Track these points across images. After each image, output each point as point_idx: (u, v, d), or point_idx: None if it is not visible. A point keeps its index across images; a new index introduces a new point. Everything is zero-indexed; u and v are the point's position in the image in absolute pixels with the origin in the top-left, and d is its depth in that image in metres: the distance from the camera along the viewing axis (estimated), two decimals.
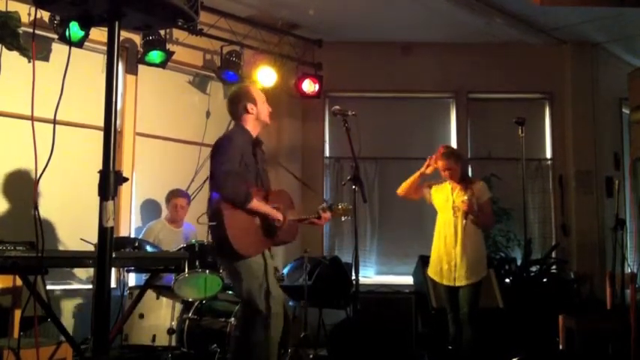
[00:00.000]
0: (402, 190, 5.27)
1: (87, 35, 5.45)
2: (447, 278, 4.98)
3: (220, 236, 3.79)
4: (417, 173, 5.17)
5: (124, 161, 6.25)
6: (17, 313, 3.66)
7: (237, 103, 4.11)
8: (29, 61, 4.03)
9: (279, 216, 3.98)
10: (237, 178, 3.82)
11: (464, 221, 4.95)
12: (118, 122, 6.10)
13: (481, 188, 5.08)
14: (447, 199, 5.07)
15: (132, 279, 5.96)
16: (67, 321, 5.72)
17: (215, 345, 4.93)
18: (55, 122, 2.21)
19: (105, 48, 2.11)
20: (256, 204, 3.87)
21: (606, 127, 8.22)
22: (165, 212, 6.26)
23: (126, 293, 5.36)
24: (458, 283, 4.92)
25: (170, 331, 5.11)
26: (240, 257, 3.81)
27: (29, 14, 5.08)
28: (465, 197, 4.93)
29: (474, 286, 4.90)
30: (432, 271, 5.16)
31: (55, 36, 5.52)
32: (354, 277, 4.41)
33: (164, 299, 5.24)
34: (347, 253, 7.33)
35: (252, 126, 4.11)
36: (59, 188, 5.73)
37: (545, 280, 7.11)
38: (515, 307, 5.76)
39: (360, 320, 5.53)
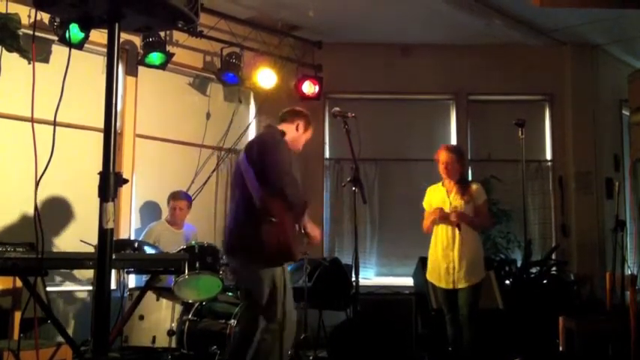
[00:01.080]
0: (426, 229, 5.18)
1: (87, 37, 5.46)
2: (445, 281, 4.97)
3: (275, 236, 3.78)
4: (433, 217, 5.04)
5: (124, 163, 6.25)
6: (17, 315, 3.66)
7: (296, 116, 4.23)
8: (29, 63, 4.04)
9: (316, 233, 4.13)
10: (297, 183, 3.91)
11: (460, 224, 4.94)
12: (118, 124, 6.11)
13: (477, 190, 5.06)
14: (443, 202, 5.04)
15: (132, 280, 5.96)
16: (67, 323, 5.72)
17: (215, 346, 4.93)
18: (55, 124, 2.22)
19: (105, 50, 2.11)
20: (307, 220, 4.05)
21: (606, 129, 8.22)
22: (166, 213, 6.26)
23: (126, 295, 5.36)
24: (456, 286, 4.91)
25: (170, 333, 5.12)
26: (286, 260, 3.87)
27: (29, 16, 5.09)
28: (461, 202, 4.92)
29: (472, 288, 4.89)
30: (430, 275, 5.14)
31: (55, 38, 5.52)
32: (354, 279, 4.42)
33: (164, 301, 5.24)
34: (347, 254, 7.32)
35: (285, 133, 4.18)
36: (59, 190, 5.73)
37: (545, 281, 7.11)
38: (516, 309, 5.75)
39: (360, 322, 5.53)
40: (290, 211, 3.86)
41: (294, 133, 4.17)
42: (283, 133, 4.12)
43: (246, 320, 4.06)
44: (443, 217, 4.94)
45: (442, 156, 5.02)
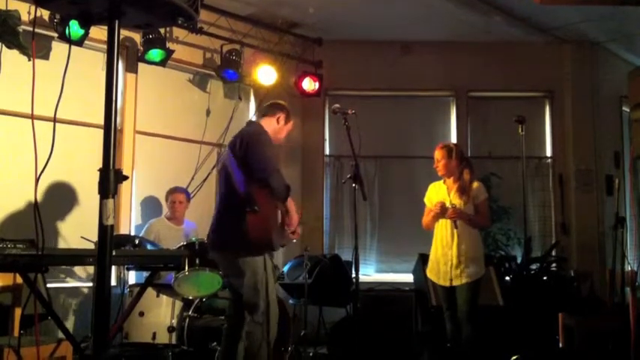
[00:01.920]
0: (425, 226, 5.20)
1: (87, 33, 5.46)
2: (444, 278, 4.97)
3: (257, 226, 3.83)
4: (433, 213, 5.04)
5: (124, 159, 6.26)
6: (17, 311, 3.68)
7: (277, 109, 4.30)
8: (29, 60, 4.03)
9: (295, 218, 4.12)
10: (280, 174, 3.99)
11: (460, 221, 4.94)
12: (118, 120, 6.11)
13: (478, 189, 5.05)
14: (443, 200, 5.04)
15: (132, 277, 5.96)
16: (68, 319, 5.73)
17: (215, 343, 4.93)
18: (55, 120, 2.22)
19: (105, 46, 2.11)
20: (290, 200, 4.08)
21: (606, 126, 8.22)
22: (165, 210, 6.27)
23: (126, 291, 5.37)
24: (455, 283, 4.91)
25: (170, 329, 5.12)
26: (267, 250, 3.93)
27: (29, 13, 5.08)
28: (461, 201, 4.92)
29: (471, 285, 4.89)
30: (430, 272, 5.15)
31: (55, 34, 5.52)
32: (354, 275, 4.42)
33: (164, 297, 5.24)
34: (347, 251, 7.34)
35: (267, 128, 4.24)
36: (59, 186, 5.73)
37: (545, 278, 7.11)
38: (515, 305, 5.76)
39: (360, 318, 5.54)
40: (273, 201, 3.95)
41: (276, 126, 4.25)
42: (263, 127, 4.23)
43: (233, 315, 4.09)
44: (443, 212, 4.94)
45: (434, 154, 5.06)
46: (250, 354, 3.87)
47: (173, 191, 6.12)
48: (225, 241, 3.99)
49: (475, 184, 5.09)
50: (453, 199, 4.99)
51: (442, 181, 5.15)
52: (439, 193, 5.11)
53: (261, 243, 3.89)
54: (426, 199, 5.20)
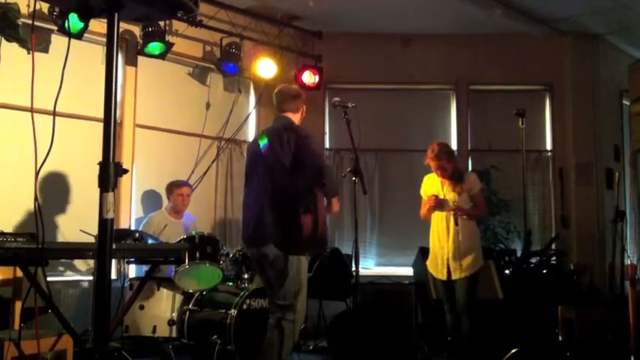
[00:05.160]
0: (423, 217, 5.20)
1: (86, 27, 5.44)
2: (441, 272, 4.98)
3: (313, 226, 3.91)
4: (428, 206, 5.04)
5: (123, 153, 6.25)
6: (18, 305, 3.67)
7: (297, 99, 4.32)
8: (28, 53, 4.03)
9: (337, 208, 4.20)
10: (333, 173, 4.09)
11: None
12: (118, 114, 6.10)
13: (472, 180, 5.06)
14: (437, 193, 5.04)
15: (132, 270, 5.97)
16: (68, 312, 5.72)
17: (215, 336, 4.94)
18: (54, 114, 2.21)
19: (104, 39, 2.10)
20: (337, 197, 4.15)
21: (606, 119, 8.21)
22: (165, 203, 6.26)
23: (126, 284, 5.37)
24: (453, 277, 4.92)
25: (170, 323, 5.13)
26: (317, 249, 4.13)
27: (28, 6, 5.07)
28: (454, 194, 4.92)
29: (469, 278, 4.90)
30: (430, 265, 5.16)
31: (55, 27, 5.51)
32: (354, 269, 4.42)
33: (164, 290, 5.25)
34: (347, 244, 7.33)
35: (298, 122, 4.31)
36: (59, 180, 5.73)
37: (544, 271, 7.11)
38: (515, 299, 5.76)
39: (360, 311, 5.54)
40: (323, 198, 4.01)
41: (300, 117, 4.32)
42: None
43: (276, 311, 4.11)
44: (439, 204, 4.94)
45: (432, 165, 5.01)
46: (278, 345, 3.92)
47: (179, 185, 6.09)
48: (279, 238, 3.98)
49: (469, 176, 5.11)
50: (447, 192, 4.99)
51: (435, 173, 5.16)
52: (433, 185, 5.12)
53: (314, 243, 3.96)
54: (422, 192, 5.21)
